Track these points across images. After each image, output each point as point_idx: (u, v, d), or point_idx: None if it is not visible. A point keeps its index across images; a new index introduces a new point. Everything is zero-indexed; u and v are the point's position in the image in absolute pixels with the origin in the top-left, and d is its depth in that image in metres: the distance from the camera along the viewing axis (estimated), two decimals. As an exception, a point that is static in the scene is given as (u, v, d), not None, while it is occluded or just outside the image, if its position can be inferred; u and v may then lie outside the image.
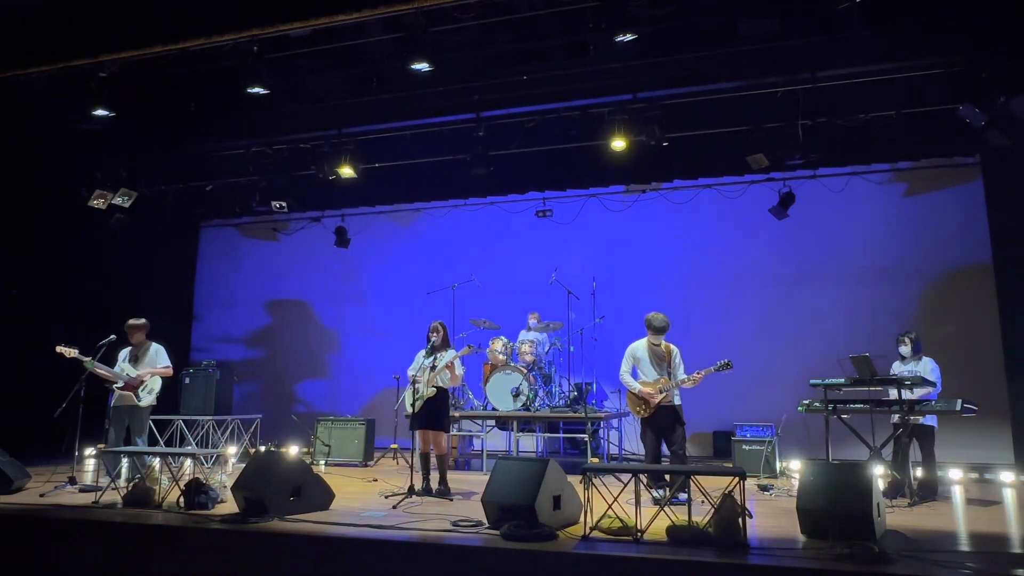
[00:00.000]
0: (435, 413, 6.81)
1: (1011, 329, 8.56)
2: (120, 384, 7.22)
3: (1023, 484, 7.77)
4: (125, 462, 7.12)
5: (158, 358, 7.44)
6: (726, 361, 6.38)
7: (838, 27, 7.31)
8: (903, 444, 6.62)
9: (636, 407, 6.62)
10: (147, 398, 7.31)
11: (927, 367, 6.82)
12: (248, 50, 7.43)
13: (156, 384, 7.40)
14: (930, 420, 6.69)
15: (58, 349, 7.00)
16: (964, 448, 8.62)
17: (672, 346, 6.67)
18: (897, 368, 6.96)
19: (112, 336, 7.27)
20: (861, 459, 6.49)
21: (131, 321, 7.41)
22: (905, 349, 6.97)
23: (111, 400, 7.31)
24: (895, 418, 6.73)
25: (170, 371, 7.52)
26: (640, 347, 6.69)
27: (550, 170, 9.79)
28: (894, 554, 4.23)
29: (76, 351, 7.03)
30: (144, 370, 7.32)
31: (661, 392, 6.47)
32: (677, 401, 6.56)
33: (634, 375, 6.68)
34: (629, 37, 6.95)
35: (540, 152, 9.29)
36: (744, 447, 8.19)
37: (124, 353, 7.43)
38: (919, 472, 6.73)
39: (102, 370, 7.13)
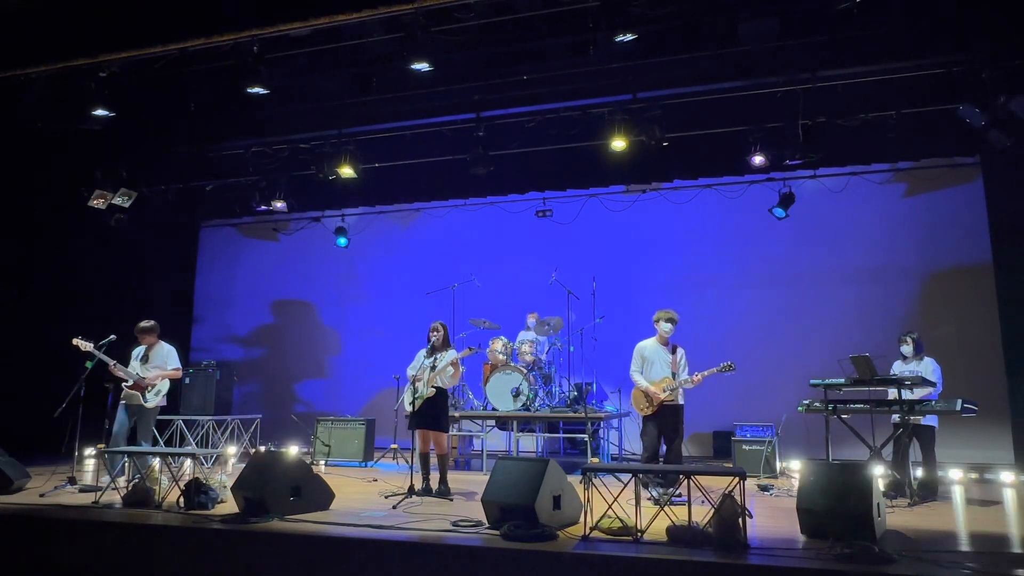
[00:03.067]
0: (435, 413, 6.81)
1: (1011, 329, 8.56)
2: (129, 383, 7.25)
3: (1023, 484, 7.76)
4: (125, 461, 7.12)
5: (168, 359, 7.47)
6: (729, 363, 6.44)
7: (838, 27, 7.31)
8: (903, 444, 6.62)
9: (640, 405, 6.69)
10: (154, 399, 7.33)
11: (928, 367, 6.83)
12: (248, 50, 7.43)
13: (164, 386, 7.43)
14: (930, 420, 6.70)
15: (75, 342, 7.03)
16: (964, 448, 8.62)
17: (679, 347, 6.77)
18: (898, 368, 6.96)
19: (112, 336, 7.27)
20: (861, 459, 6.49)
21: (141, 324, 7.45)
22: (907, 349, 6.97)
23: (111, 399, 7.30)
24: (895, 418, 6.74)
25: (179, 373, 7.58)
26: (648, 346, 6.78)
27: (550, 170, 9.78)
28: (894, 554, 4.23)
29: (91, 345, 7.05)
30: (154, 372, 7.34)
31: (665, 391, 6.52)
32: (681, 401, 6.64)
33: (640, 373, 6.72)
34: (629, 37, 6.94)
35: (540, 152, 9.29)
36: (744, 447, 8.19)
37: (136, 351, 7.47)
38: (919, 472, 6.73)
39: (120, 371, 7.15)
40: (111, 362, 7.10)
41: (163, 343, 7.54)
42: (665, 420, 6.59)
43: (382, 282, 11.98)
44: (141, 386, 7.26)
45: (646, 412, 6.65)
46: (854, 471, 4.90)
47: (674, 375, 6.59)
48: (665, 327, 6.72)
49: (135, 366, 7.35)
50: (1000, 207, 8.82)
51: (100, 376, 7.18)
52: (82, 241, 10.71)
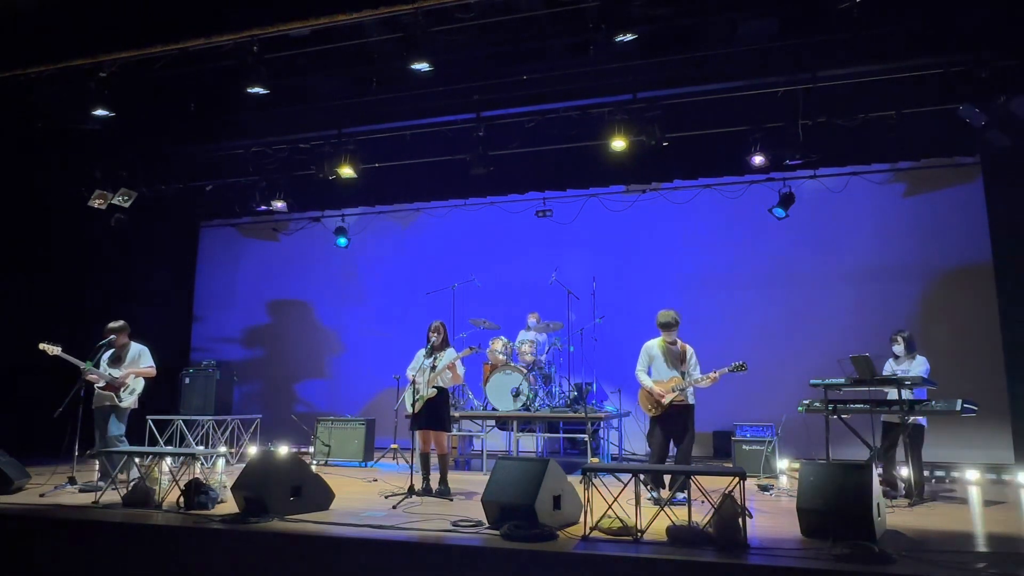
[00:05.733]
0: (436, 413, 6.81)
1: (1011, 329, 8.56)
2: (102, 384, 7.19)
3: (1023, 484, 7.77)
4: (122, 461, 7.09)
5: (141, 358, 7.38)
6: (741, 363, 6.36)
7: (838, 27, 7.31)
8: (893, 443, 6.66)
9: (647, 406, 6.59)
10: (128, 399, 7.26)
11: (919, 366, 6.83)
12: (248, 50, 7.43)
13: (139, 385, 7.35)
14: (921, 419, 6.70)
15: (40, 346, 6.97)
16: (964, 448, 8.62)
17: (688, 346, 6.66)
18: (890, 367, 6.97)
19: (112, 336, 7.25)
20: (861, 459, 6.49)
21: (111, 325, 7.32)
22: (898, 348, 6.98)
23: (92, 402, 7.23)
24: (884, 418, 6.76)
25: (153, 371, 7.44)
26: (655, 345, 6.67)
27: (550, 170, 9.79)
28: (894, 554, 4.23)
29: (59, 349, 7.00)
30: (127, 371, 7.29)
31: (674, 391, 6.45)
32: (691, 401, 6.53)
33: (649, 374, 6.67)
34: (629, 37, 6.95)
35: (540, 152, 9.29)
36: (744, 447, 8.19)
37: (107, 354, 7.36)
38: (905, 472, 6.73)
39: (93, 375, 7.10)
40: (82, 365, 7.01)
41: (133, 343, 7.44)
42: (674, 421, 6.47)
43: (382, 282, 11.98)
44: (115, 387, 7.19)
45: (653, 413, 6.54)
46: (854, 471, 4.90)
47: (683, 375, 6.51)
48: (667, 336, 6.60)
49: (106, 368, 7.27)
50: (1000, 207, 8.82)
51: (75, 379, 7.01)
52: (81, 241, 10.71)
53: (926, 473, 7.69)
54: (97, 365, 7.21)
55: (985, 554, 4.54)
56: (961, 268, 9.39)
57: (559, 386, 9.25)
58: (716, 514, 4.63)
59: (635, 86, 8.26)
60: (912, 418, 6.58)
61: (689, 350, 6.63)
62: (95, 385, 7.19)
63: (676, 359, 6.57)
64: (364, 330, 11.94)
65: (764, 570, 4.11)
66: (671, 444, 6.59)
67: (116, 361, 7.32)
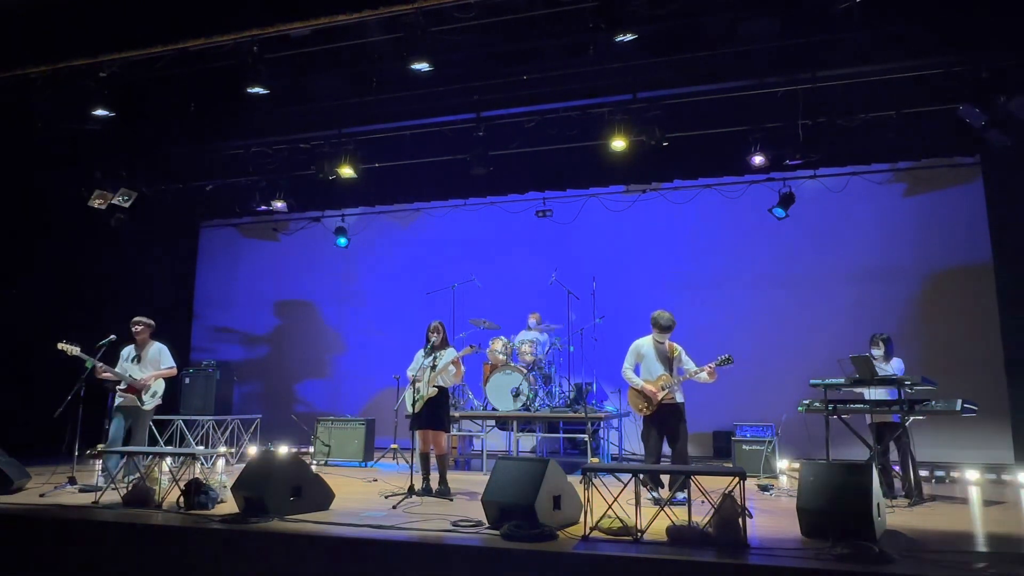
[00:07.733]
0: (435, 413, 6.81)
1: (1011, 329, 8.56)
2: (123, 386, 7.20)
3: (1023, 484, 7.77)
4: (122, 462, 7.11)
5: (162, 358, 7.42)
6: (727, 356, 6.38)
7: (838, 27, 7.31)
8: (887, 443, 6.69)
9: (638, 405, 6.60)
10: (151, 401, 7.29)
11: (897, 368, 6.85)
12: (248, 50, 7.42)
13: (160, 387, 7.39)
14: (897, 419, 6.71)
15: (59, 346, 6.98)
16: (964, 448, 8.62)
17: (676, 344, 6.67)
18: None
19: (112, 336, 7.26)
20: (861, 459, 6.49)
21: (138, 318, 7.39)
22: (877, 351, 7.00)
23: (111, 400, 7.26)
24: (868, 418, 6.78)
25: (174, 371, 7.52)
26: (645, 344, 6.68)
27: (550, 170, 9.79)
28: (894, 554, 4.23)
29: (78, 349, 7.01)
30: (149, 373, 7.30)
31: (663, 389, 6.46)
32: (680, 399, 6.55)
33: (637, 372, 6.67)
34: (629, 37, 6.94)
35: (540, 152, 9.29)
36: (744, 447, 8.20)
37: (126, 352, 7.39)
38: (898, 468, 6.76)
39: (107, 372, 7.12)
40: (99, 365, 7.04)
41: (155, 342, 7.48)
42: (666, 420, 6.49)
43: (382, 282, 11.98)
44: (136, 388, 7.22)
45: (645, 412, 6.56)
46: (854, 471, 4.90)
47: (671, 373, 6.52)
48: (660, 336, 6.60)
49: (127, 367, 7.29)
50: (1000, 207, 8.82)
51: (75, 379, 7.03)
52: (82, 241, 10.71)
53: (926, 473, 7.71)
54: (115, 364, 7.22)
55: (985, 554, 4.54)
56: (961, 268, 9.39)
57: (559, 386, 9.25)
58: (716, 514, 4.63)
59: (635, 86, 8.26)
60: (886, 417, 6.61)
61: (677, 348, 6.65)
62: (117, 387, 7.20)
63: (664, 358, 6.59)
64: (364, 330, 11.94)
65: (764, 570, 4.11)
66: (665, 443, 6.60)
67: (137, 360, 7.34)
